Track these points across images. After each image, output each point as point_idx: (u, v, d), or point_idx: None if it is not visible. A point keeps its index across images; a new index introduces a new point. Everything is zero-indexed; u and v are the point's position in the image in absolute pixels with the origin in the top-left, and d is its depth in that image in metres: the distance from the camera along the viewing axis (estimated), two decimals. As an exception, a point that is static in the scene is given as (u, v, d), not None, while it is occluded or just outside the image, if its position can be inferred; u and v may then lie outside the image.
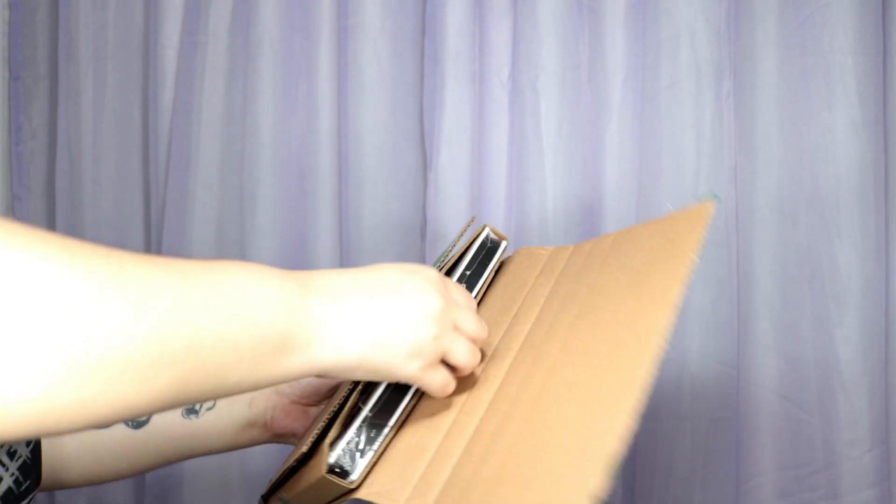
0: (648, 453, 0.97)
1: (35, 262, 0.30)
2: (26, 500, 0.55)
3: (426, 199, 0.99)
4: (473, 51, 0.98)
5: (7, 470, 0.53)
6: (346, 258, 1.03)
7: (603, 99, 0.97)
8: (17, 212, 1.12)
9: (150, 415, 0.35)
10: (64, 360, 0.30)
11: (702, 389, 0.96)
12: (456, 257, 0.62)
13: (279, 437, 0.67)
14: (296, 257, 1.03)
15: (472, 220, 0.67)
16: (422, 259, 1.01)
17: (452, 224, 0.97)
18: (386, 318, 0.44)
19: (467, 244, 0.63)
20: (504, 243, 0.64)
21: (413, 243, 1.03)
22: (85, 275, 0.31)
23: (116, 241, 1.08)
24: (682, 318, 0.96)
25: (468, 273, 0.61)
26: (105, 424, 0.33)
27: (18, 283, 0.29)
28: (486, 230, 0.63)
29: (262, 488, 0.61)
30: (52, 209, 1.10)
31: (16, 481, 0.54)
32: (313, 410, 0.67)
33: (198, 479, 1.02)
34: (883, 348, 0.94)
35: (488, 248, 0.63)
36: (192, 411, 0.64)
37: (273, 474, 0.60)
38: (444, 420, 0.48)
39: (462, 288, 0.51)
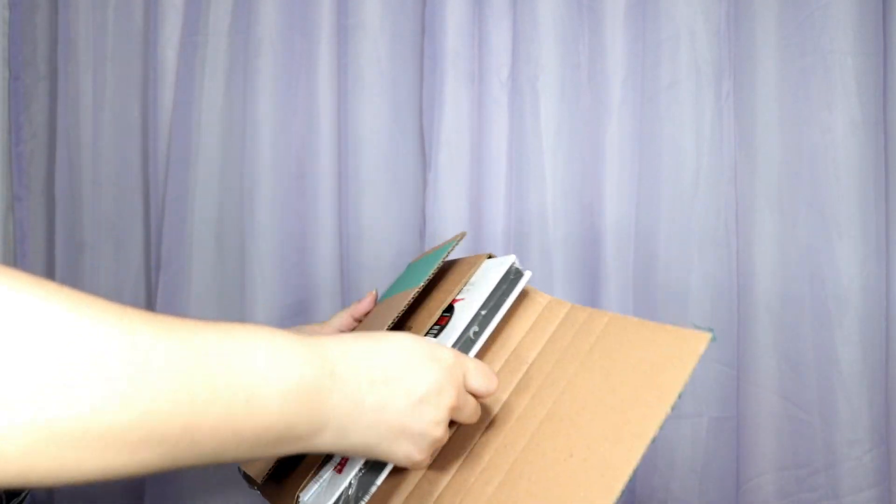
0: (648, 453, 0.97)
1: (40, 312, 0.29)
2: (25, 492, 0.56)
3: (425, 199, 0.99)
4: (473, 50, 0.98)
5: None
6: (345, 258, 1.03)
7: (603, 99, 0.97)
8: (17, 212, 1.12)
9: (139, 477, 0.35)
10: (46, 424, 0.29)
11: (702, 389, 0.96)
12: (466, 281, 0.59)
13: None
14: (296, 257, 1.03)
15: (463, 235, 0.65)
16: (421, 259, 1.01)
17: (451, 223, 0.97)
18: (399, 416, 0.44)
19: (485, 272, 0.59)
20: (528, 274, 0.60)
21: (412, 242, 1.03)
22: (90, 329, 0.30)
23: (116, 240, 1.08)
24: (682, 318, 0.96)
25: (483, 313, 0.58)
26: (92, 483, 0.32)
27: (15, 336, 0.29)
28: (513, 260, 0.60)
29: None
30: (52, 209, 1.10)
31: None
32: None
33: (198, 471, 1.02)
34: (883, 348, 0.94)
35: (510, 280, 0.59)
36: None
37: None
38: (405, 488, 0.53)
39: (482, 368, 0.49)
